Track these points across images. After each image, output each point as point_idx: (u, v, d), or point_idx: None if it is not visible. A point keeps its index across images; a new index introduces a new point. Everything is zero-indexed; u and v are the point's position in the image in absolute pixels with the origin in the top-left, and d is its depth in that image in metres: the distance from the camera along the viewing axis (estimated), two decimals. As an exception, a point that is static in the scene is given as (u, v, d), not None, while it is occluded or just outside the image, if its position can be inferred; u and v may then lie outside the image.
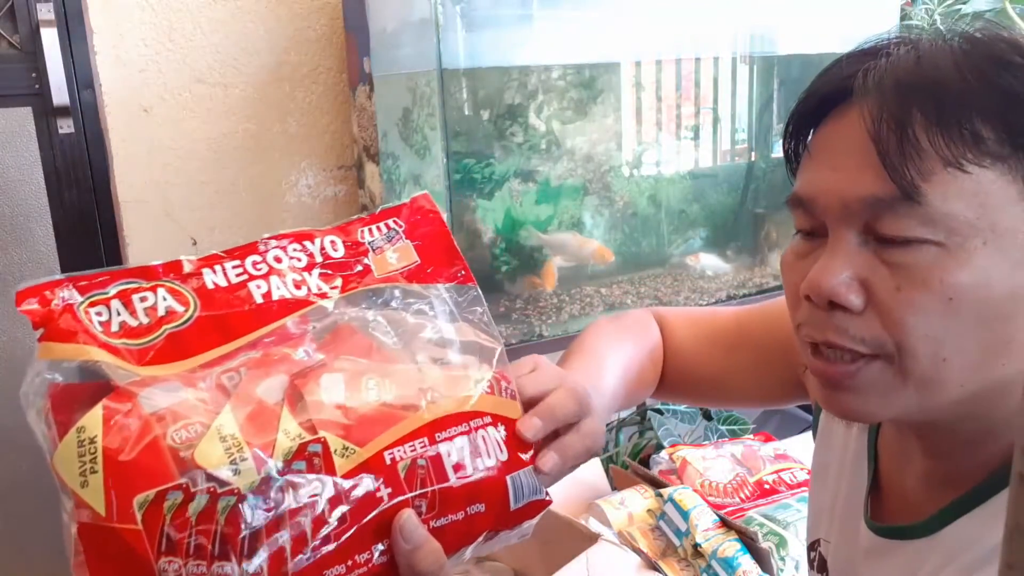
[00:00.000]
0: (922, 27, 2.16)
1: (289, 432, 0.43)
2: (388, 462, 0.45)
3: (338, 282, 0.52)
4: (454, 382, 0.50)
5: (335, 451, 0.44)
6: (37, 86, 1.51)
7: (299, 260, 0.52)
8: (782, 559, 1.14)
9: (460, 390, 0.49)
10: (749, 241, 1.94)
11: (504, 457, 0.49)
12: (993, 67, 0.47)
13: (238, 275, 0.50)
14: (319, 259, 0.52)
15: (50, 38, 1.48)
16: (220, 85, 1.68)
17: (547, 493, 0.52)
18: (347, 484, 0.44)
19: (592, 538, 1.13)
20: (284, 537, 0.41)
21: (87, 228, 1.60)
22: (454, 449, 0.47)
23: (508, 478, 0.49)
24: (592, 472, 1.42)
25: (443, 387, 0.49)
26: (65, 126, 1.54)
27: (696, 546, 1.15)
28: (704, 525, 1.16)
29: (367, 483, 0.44)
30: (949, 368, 0.48)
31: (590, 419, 0.56)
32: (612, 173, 1.70)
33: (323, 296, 0.51)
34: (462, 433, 0.48)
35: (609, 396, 0.68)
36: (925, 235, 0.46)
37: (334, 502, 0.43)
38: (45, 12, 1.48)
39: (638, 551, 1.18)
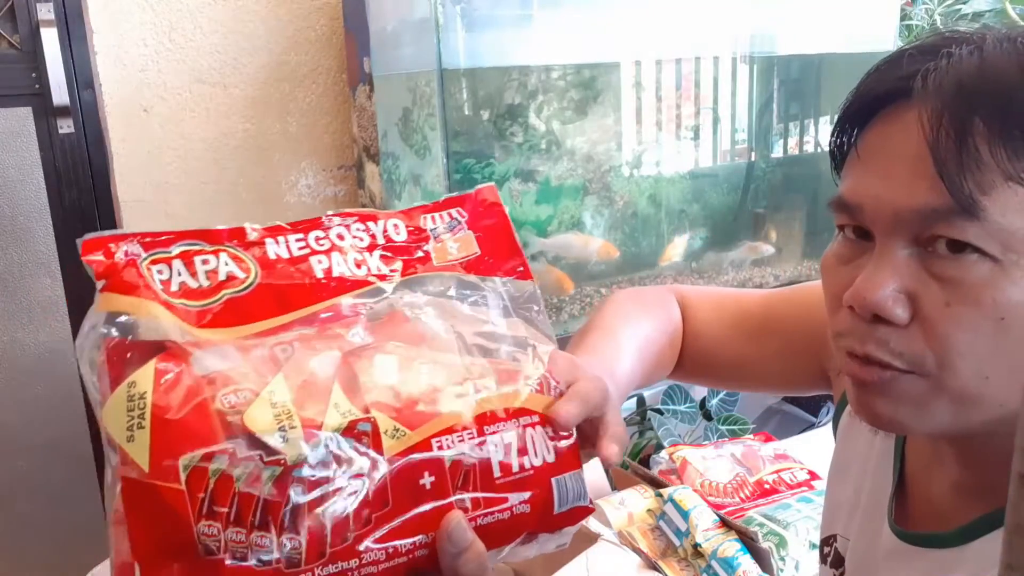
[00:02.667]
0: (922, 26, 2.16)
1: (340, 407, 0.43)
2: (435, 449, 0.44)
3: (398, 266, 0.51)
4: (505, 377, 0.49)
5: (385, 431, 0.43)
6: (37, 86, 1.51)
7: (361, 240, 0.51)
8: (782, 559, 1.14)
9: (510, 386, 0.49)
10: (749, 241, 1.94)
11: (551, 458, 0.48)
12: None
13: (300, 248, 0.50)
14: (381, 241, 0.51)
15: (50, 38, 1.48)
16: (220, 85, 1.68)
17: (591, 500, 0.51)
18: (395, 466, 0.43)
19: (592, 538, 1.13)
20: (327, 513, 0.41)
21: (87, 228, 1.60)
22: (502, 444, 0.46)
23: (554, 480, 0.48)
24: (592, 472, 1.42)
25: (494, 381, 0.48)
26: (65, 126, 1.54)
27: (696, 546, 1.15)
28: (704, 525, 1.16)
29: (414, 468, 0.43)
30: (990, 387, 0.46)
31: (612, 410, 0.55)
32: (612, 173, 1.70)
33: (383, 278, 0.50)
34: (514, 429, 0.47)
35: (625, 381, 0.67)
36: (982, 248, 0.44)
37: (380, 483, 0.42)
38: (45, 12, 1.48)
39: (638, 551, 1.18)
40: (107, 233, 0.46)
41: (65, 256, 1.59)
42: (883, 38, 1.87)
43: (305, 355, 0.45)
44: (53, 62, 1.49)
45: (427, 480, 0.44)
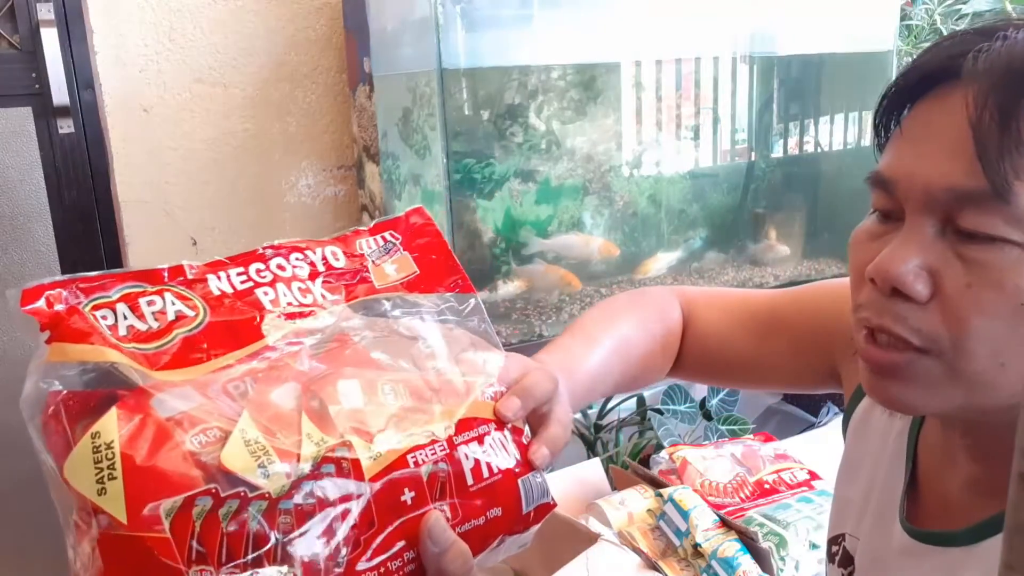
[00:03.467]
0: (922, 26, 2.16)
1: (312, 436, 0.43)
2: (412, 466, 0.45)
3: (341, 292, 0.52)
4: (463, 388, 0.50)
5: (362, 455, 0.43)
6: (37, 86, 1.51)
7: (302, 269, 0.51)
8: (782, 559, 1.14)
9: (469, 396, 0.50)
10: (749, 241, 1.94)
11: (514, 461, 0.50)
12: None
13: (243, 281, 0.49)
14: (321, 268, 0.52)
15: (50, 38, 1.48)
16: (220, 85, 1.68)
17: (552, 497, 0.52)
18: (376, 486, 0.43)
19: (592, 538, 1.13)
20: (318, 541, 0.41)
21: (87, 228, 1.60)
22: (471, 453, 0.47)
23: (519, 481, 0.50)
24: (592, 472, 1.42)
25: (453, 393, 0.49)
26: (65, 126, 1.54)
27: (696, 546, 1.15)
28: (704, 525, 1.16)
29: (394, 485, 0.44)
30: (1005, 373, 0.46)
31: (559, 405, 0.56)
32: (612, 173, 1.70)
33: (333, 303, 0.51)
34: (477, 438, 0.48)
35: (588, 378, 0.67)
36: (1009, 235, 0.44)
37: (365, 504, 0.43)
38: (45, 12, 1.48)
39: (638, 551, 1.18)
40: (43, 281, 0.45)
41: (65, 256, 1.59)
42: (883, 38, 1.87)
43: (265, 389, 0.44)
44: (53, 62, 1.49)
45: (408, 496, 0.45)
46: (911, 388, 0.49)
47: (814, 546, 1.16)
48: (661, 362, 0.77)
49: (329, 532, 0.41)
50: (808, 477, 1.32)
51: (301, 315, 0.49)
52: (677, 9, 1.70)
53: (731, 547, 1.14)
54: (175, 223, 1.69)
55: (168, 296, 0.47)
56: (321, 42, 1.76)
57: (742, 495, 1.30)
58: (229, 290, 0.49)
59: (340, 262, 0.53)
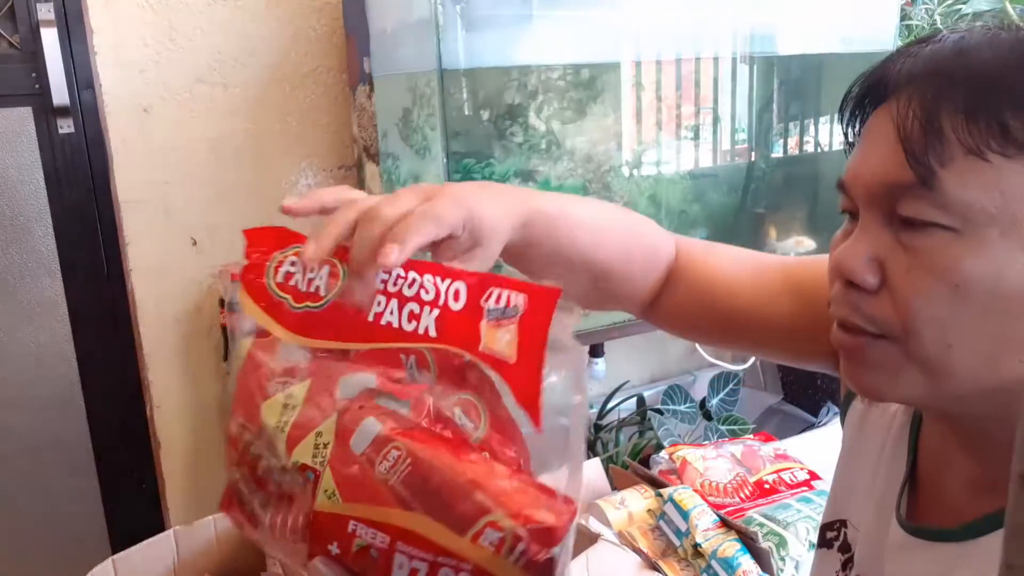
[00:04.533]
0: (922, 26, 2.16)
1: (315, 444, 0.45)
2: (349, 531, 0.44)
3: (445, 336, 0.49)
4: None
5: (324, 488, 0.44)
6: (37, 86, 1.51)
7: (427, 293, 0.49)
8: (782, 559, 1.14)
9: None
10: (749, 241, 1.94)
11: None
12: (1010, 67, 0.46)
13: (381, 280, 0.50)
14: (440, 302, 0.49)
15: (50, 38, 1.48)
16: (220, 85, 1.68)
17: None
18: (313, 523, 0.45)
19: (592, 538, 1.13)
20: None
21: (87, 228, 1.60)
22: (415, 565, 0.44)
23: None
24: (592, 472, 1.42)
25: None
26: (65, 126, 1.54)
27: (696, 546, 1.15)
28: (704, 525, 1.16)
29: (327, 533, 0.45)
30: (955, 355, 0.48)
31: (437, 198, 0.53)
32: (612, 173, 1.70)
33: (422, 339, 0.48)
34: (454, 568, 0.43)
35: (575, 218, 0.63)
36: (939, 220, 0.47)
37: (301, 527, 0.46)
38: (45, 12, 1.48)
39: (638, 551, 1.18)
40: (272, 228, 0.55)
41: (65, 256, 1.59)
42: (883, 38, 1.87)
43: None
44: (53, 62, 1.49)
45: (335, 549, 0.46)
46: (876, 373, 0.52)
47: (814, 546, 1.16)
48: (636, 282, 0.72)
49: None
50: (808, 477, 1.32)
51: (398, 338, 0.49)
52: (677, 9, 1.70)
53: (731, 547, 1.14)
54: (175, 223, 1.69)
55: (326, 269, 0.53)
56: (321, 42, 1.76)
57: (742, 495, 1.30)
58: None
59: (460, 303, 0.49)
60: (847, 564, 0.66)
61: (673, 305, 0.75)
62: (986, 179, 0.46)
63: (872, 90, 0.53)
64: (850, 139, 0.56)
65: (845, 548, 0.67)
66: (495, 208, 0.56)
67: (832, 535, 0.69)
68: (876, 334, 0.51)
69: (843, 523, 0.68)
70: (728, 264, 0.75)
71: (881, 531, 0.62)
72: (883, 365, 0.51)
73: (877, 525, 0.63)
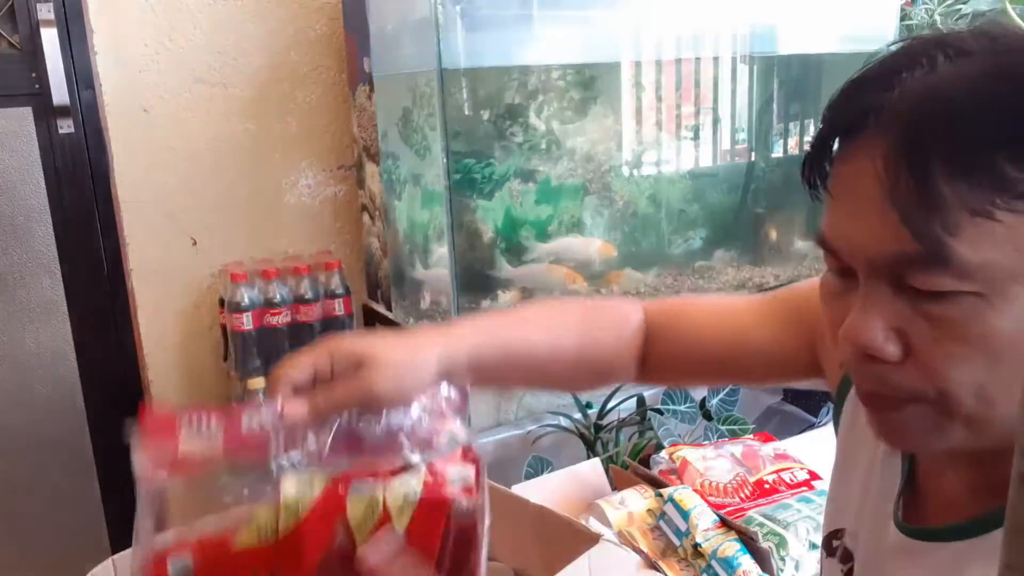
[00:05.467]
0: (922, 26, 2.16)
1: None
2: None
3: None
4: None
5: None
6: (37, 86, 1.51)
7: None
8: (782, 559, 1.14)
9: None
10: (749, 241, 1.94)
11: None
12: (1007, 89, 0.43)
13: None
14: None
15: (50, 38, 1.48)
16: (220, 85, 1.68)
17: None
18: None
19: (593, 538, 1.13)
20: None
21: (87, 228, 1.60)
22: None
23: None
24: (592, 472, 1.42)
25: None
26: (65, 126, 1.54)
27: (696, 546, 1.15)
28: (704, 525, 1.16)
29: None
30: (997, 407, 0.47)
31: (364, 369, 0.58)
32: (612, 173, 1.70)
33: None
34: None
35: (494, 339, 0.66)
36: (960, 287, 0.44)
37: None
38: (45, 12, 1.48)
39: (638, 551, 1.18)
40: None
41: (65, 256, 1.59)
42: (883, 38, 1.87)
43: None
44: (53, 62, 1.49)
45: None
46: (914, 435, 0.50)
47: (814, 546, 1.16)
48: (614, 354, 0.74)
49: None
50: (808, 477, 1.32)
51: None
52: (677, 9, 1.70)
53: (731, 547, 1.14)
54: (175, 223, 1.69)
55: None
56: (321, 42, 1.76)
57: (742, 495, 1.29)
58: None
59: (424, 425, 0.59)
60: (849, 573, 0.66)
61: (662, 365, 0.76)
62: (998, 237, 0.43)
63: (837, 132, 0.49)
64: (820, 181, 0.52)
65: (846, 557, 0.67)
66: (410, 382, 0.60)
67: (836, 544, 0.69)
68: (908, 399, 0.48)
69: (842, 531, 0.68)
70: (703, 311, 0.77)
71: (880, 536, 0.61)
72: (922, 426, 0.49)
73: (875, 531, 0.62)
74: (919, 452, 0.54)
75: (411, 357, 0.60)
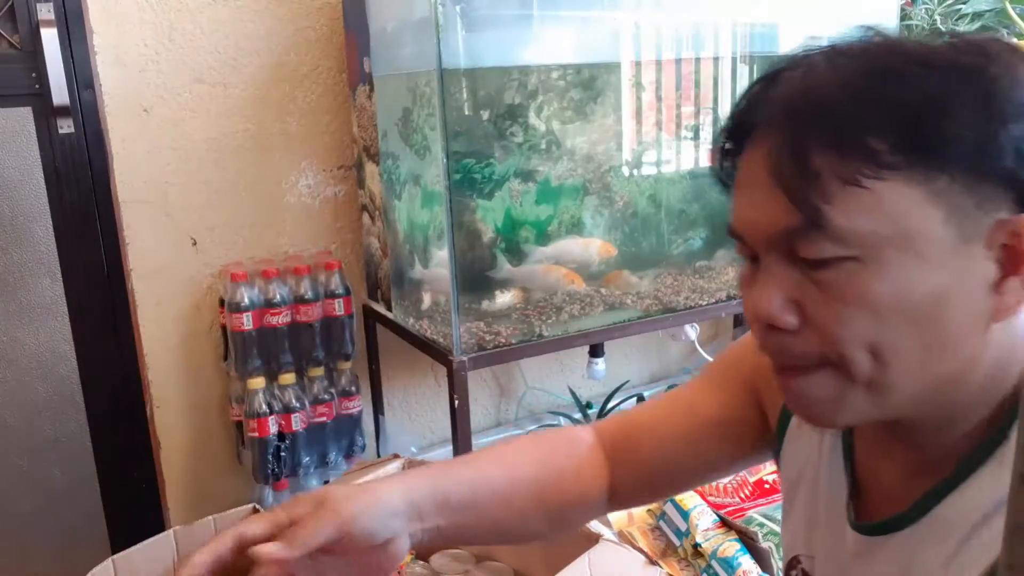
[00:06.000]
0: (922, 26, 2.16)
1: None
2: None
3: None
4: None
5: None
6: (37, 86, 1.51)
7: None
8: (782, 559, 1.14)
9: None
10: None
11: None
12: (879, 81, 0.49)
13: None
14: None
15: (50, 38, 1.48)
16: (220, 85, 1.68)
17: None
18: None
19: (593, 538, 1.13)
20: None
21: (87, 228, 1.60)
22: None
23: None
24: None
25: None
26: (65, 126, 1.54)
27: (696, 546, 1.15)
28: (704, 525, 1.16)
29: None
30: (892, 371, 0.51)
31: (334, 500, 0.58)
32: (612, 173, 1.70)
33: None
34: None
35: (452, 483, 0.66)
36: (840, 253, 0.49)
37: None
38: (45, 12, 1.48)
39: (639, 551, 1.18)
40: None
41: (65, 256, 1.59)
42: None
43: None
44: (53, 62, 1.49)
45: None
46: (823, 403, 0.54)
47: (814, 546, 1.16)
48: (574, 472, 0.74)
49: None
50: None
51: None
52: (677, 9, 1.70)
53: (731, 547, 1.14)
54: (175, 223, 1.69)
55: None
56: (321, 42, 1.76)
57: (742, 495, 1.30)
58: None
59: None
60: None
61: (629, 488, 0.76)
62: (868, 204, 0.48)
63: (734, 137, 0.55)
64: (724, 181, 0.58)
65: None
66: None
67: (795, 572, 0.70)
68: (816, 364, 0.52)
69: (796, 559, 0.69)
70: (652, 408, 0.79)
71: (838, 545, 0.63)
72: (828, 394, 0.53)
73: (832, 541, 0.64)
74: (829, 423, 0.58)
75: (373, 493, 0.60)
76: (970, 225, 0.49)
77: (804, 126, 0.49)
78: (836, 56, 0.52)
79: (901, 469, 0.59)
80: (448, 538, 0.66)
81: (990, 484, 0.52)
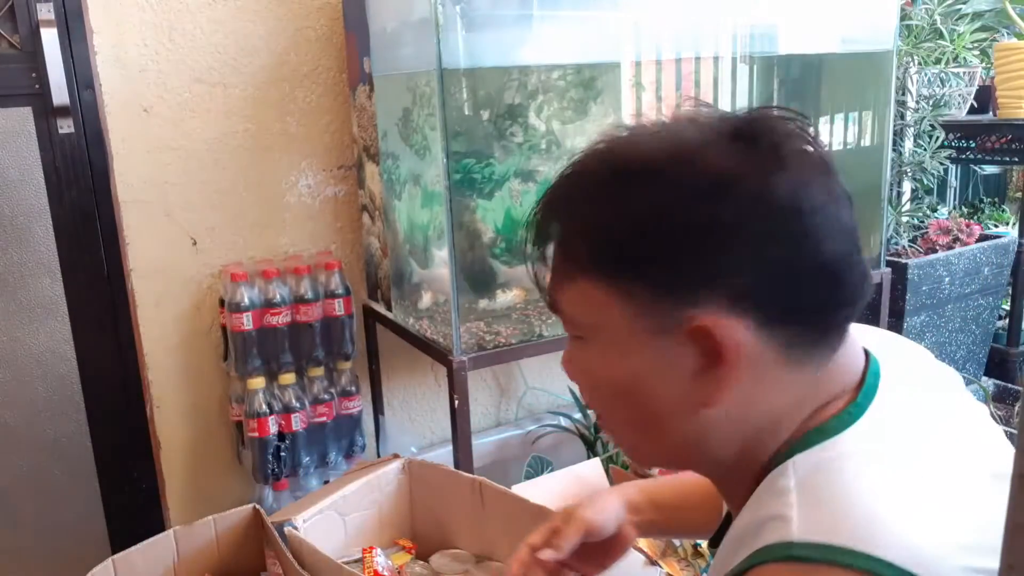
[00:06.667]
0: (922, 26, 2.16)
1: None
2: None
3: None
4: None
5: None
6: (37, 86, 1.51)
7: None
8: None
9: None
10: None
11: None
12: (602, 189, 0.57)
13: None
14: None
15: (50, 38, 1.48)
16: (220, 85, 1.68)
17: None
18: None
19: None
20: None
21: (87, 228, 1.60)
22: None
23: None
24: (592, 472, 1.42)
25: None
26: (65, 126, 1.54)
27: (696, 546, 1.15)
28: (704, 525, 1.16)
29: None
30: (618, 435, 0.62)
31: (576, 510, 0.81)
32: (612, 173, 1.70)
33: None
34: None
35: (669, 491, 0.87)
36: (571, 332, 0.61)
37: None
38: (45, 12, 1.48)
39: (639, 550, 1.18)
40: None
41: (65, 256, 1.59)
42: (883, 38, 1.87)
43: None
44: (53, 62, 1.49)
45: None
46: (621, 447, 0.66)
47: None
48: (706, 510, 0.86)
49: None
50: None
51: None
52: (677, 9, 1.70)
53: (731, 547, 1.13)
54: (175, 223, 1.69)
55: None
56: (321, 42, 1.76)
57: (742, 495, 1.30)
58: None
59: None
60: None
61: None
62: (576, 297, 0.58)
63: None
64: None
65: None
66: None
67: None
68: None
69: None
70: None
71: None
72: (616, 441, 0.65)
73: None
74: (639, 464, 0.75)
75: (600, 502, 0.83)
76: (667, 321, 0.54)
77: (548, 222, 0.60)
78: (603, 152, 0.60)
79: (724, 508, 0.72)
80: (660, 530, 0.89)
81: (733, 533, 0.57)
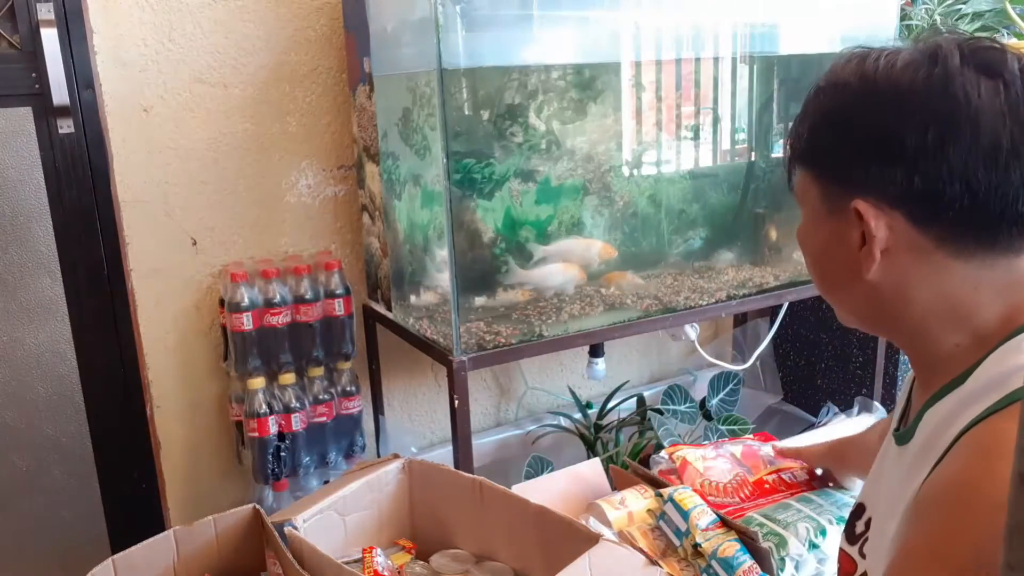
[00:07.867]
0: (922, 26, 2.15)
1: None
2: None
3: None
4: None
5: None
6: (37, 86, 1.51)
7: None
8: (782, 559, 1.14)
9: None
10: (749, 241, 1.94)
11: None
12: (813, 95, 0.74)
13: None
14: None
15: (50, 38, 1.48)
16: (220, 85, 1.68)
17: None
18: None
19: (593, 538, 1.13)
20: None
21: (87, 228, 1.60)
22: None
23: None
24: (592, 472, 1.42)
25: None
26: (65, 126, 1.54)
27: (696, 546, 1.15)
28: (704, 525, 1.16)
29: None
30: (827, 295, 0.79)
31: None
32: (612, 173, 1.70)
33: None
34: None
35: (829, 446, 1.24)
36: (798, 201, 0.77)
37: None
38: (45, 12, 1.48)
39: (639, 551, 1.17)
40: None
41: (65, 256, 1.59)
42: (883, 38, 1.87)
43: None
44: (53, 62, 1.49)
45: None
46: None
47: (814, 546, 1.16)
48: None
49: None
50: (808, 477, 1.32)
51: None
52: (677, 9, 1.70)
53: (731, 547, 1.13)
54: (175, 223, 1.69)
55: None
56: (321, 42, 1.76)
57: (742, 495, 1.29)
58: None
59: None
60: (866, 523, 0.82)
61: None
62: (797, 180, 0.75)
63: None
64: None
65: (859, 510, 0.84)
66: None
67: (856, 519, 0.85)
68: None
69: (861, 506, 0.84)
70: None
71: (883, 457, 0.81)
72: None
73: (881, 457, 0.82)
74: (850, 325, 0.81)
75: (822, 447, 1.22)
76: (836, 203, 0.70)
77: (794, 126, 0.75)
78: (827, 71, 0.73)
79: (919, 392, 0.76)
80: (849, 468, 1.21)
81: (944, 415, 0.67)
